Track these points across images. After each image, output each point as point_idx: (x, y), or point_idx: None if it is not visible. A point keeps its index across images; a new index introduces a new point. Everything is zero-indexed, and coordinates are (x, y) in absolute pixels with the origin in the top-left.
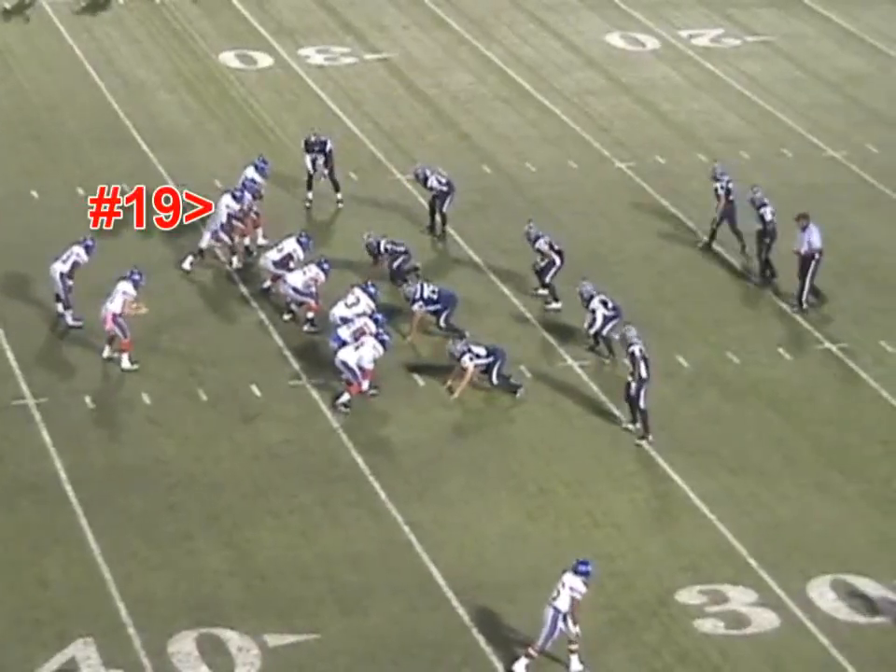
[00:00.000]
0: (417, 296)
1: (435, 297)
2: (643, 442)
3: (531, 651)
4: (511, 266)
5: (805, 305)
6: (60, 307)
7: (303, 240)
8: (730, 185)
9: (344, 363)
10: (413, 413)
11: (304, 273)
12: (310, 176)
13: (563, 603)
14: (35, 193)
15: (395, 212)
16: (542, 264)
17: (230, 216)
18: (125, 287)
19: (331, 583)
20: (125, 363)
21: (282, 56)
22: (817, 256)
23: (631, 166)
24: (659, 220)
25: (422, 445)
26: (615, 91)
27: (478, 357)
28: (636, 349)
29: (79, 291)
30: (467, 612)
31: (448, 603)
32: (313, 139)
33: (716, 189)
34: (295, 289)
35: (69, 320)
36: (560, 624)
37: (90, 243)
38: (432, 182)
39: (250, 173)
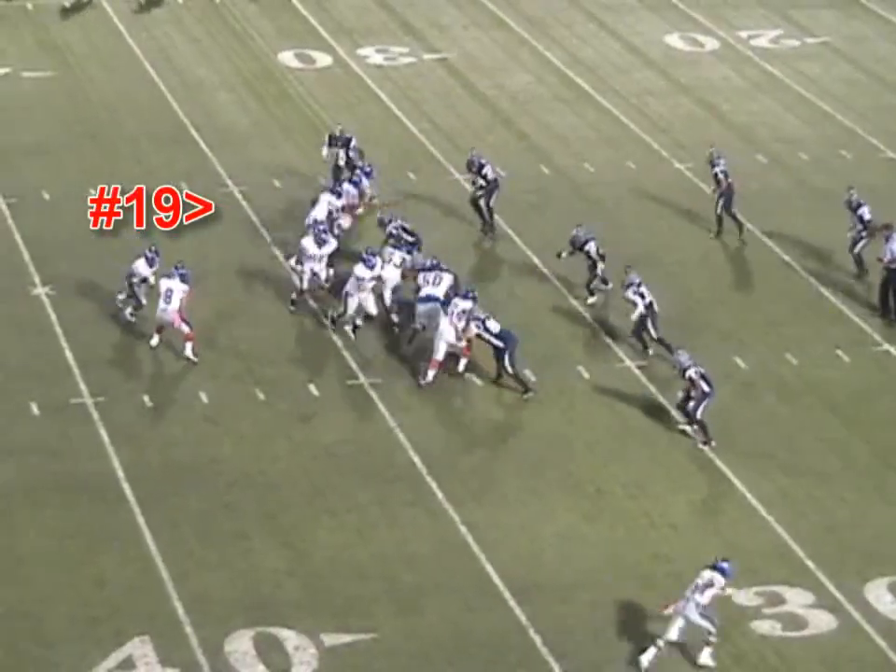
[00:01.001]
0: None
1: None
2: (706, 447)
3: (660, 643)
4: (569, 266)
5: (894, 317)
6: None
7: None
8: (726, 169)
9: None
10: (471, 413)
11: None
12: (338, 167)
13: (702, 597)
14: (93, 192)
15: (452, 213)
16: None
17: (330, 212)
18: (176, 284)
19: (387, 583)
20: (189, 352)
21: (341, 56)
22: None
23: (689, 167)
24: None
25: (478, 446)
26: (674, 92)
27: (486, 329)
28: (691, 372)
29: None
30: (523, 613)
31: (504, 603)
32: (338, 133)
33: (716, 175)
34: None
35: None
36: (695, 618)
37: (148, 254)
38: (487, 171)
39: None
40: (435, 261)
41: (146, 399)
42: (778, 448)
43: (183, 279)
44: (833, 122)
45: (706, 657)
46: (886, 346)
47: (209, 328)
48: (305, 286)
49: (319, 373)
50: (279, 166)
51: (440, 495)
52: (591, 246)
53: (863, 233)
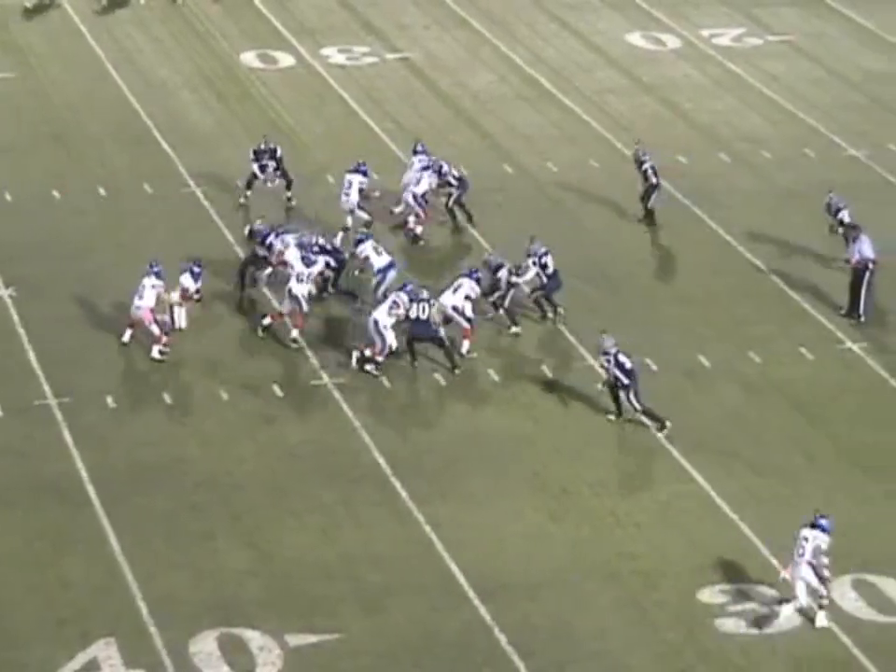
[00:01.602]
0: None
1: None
2: (663, 433)
3: (798, 605)
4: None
5: (863, 318)
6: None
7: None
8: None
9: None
10: (435, 412)
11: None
12: (254, 178)
13: (817, 561)
14: (56, 193)
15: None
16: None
17: (361, 190)
18: (151, 281)
19: (353, 583)
20: (155, 353)
21: (303, 56)
22: (870, 266)
23: (653, 166)
24: (681, 220)
25: (444, 445)
26: (636, 91)
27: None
28: (603, 360)
29: (96, 295)
30: (488, 612)
31: (469, 603)
32: (263, 147)
33: (645, 171)
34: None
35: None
36: (812, 580)
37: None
38: (448, 173)
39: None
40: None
41: (110, 400)
42: (743, 446)
43: (157, 276)
44: (796, 121)
45: (821, 620)
46: (849, 344)
47: (172, 329)
48: (285, 309)
49: (283, 374)
50: (242, 167)
51: (404, 494)
52: (548, 260)
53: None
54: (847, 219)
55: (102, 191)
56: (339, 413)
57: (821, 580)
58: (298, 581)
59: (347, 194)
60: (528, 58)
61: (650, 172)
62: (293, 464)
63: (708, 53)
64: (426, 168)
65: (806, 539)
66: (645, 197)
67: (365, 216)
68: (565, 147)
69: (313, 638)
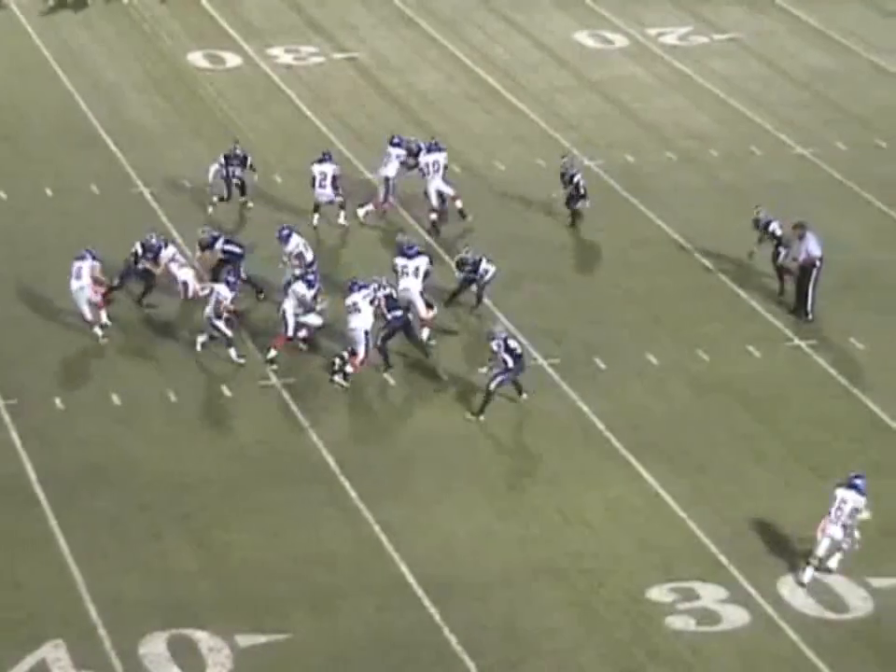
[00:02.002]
0: None
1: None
2: (473, 419)
3: (813, 562)
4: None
5: (811, 315)
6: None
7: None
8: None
9: None
10: (384, 412)
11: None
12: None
13: (851, 521)
14: (2, 194)
15: (350, 211)
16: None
17: (404, 162)
18: (84, 263)
19: (302, 583)
20: (104, 318)
21: (250, 56)
22: (817, 263)
23: (600, 164)
24: (628, 219)
25: (392, 445)
26: (584, 90)
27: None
28: (493, 344)
29: (44, 296)
30: (438, 611)
31: (419, 602)
32: (234, 153)
33: (577, 184)
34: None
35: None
36: (840, 537)
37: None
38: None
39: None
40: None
41: (57, 401)
42: (692, 444)
43: (93, 257)
44: (742, 119)
45: (834, 562)
46: (797, 342)
47: (121, 329)
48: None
49: (232, 374)
50: (189, 167)
51: (353, 494)
52: (484, 268)
53: (780, 248)
54: (778, 231)
55: (49, 192)
56: (288, 413)
57: (849, 538)
58: (247, 581)
59: (323, 186)
60: (476, 57)
61: (581, 184)
62: (242, 464)
63: (656, 52)
64: (403, 163)
65: (845, 502)
66: (569, 202)
67: (339, 199)
68: (512, 146)
69: (262, 639)
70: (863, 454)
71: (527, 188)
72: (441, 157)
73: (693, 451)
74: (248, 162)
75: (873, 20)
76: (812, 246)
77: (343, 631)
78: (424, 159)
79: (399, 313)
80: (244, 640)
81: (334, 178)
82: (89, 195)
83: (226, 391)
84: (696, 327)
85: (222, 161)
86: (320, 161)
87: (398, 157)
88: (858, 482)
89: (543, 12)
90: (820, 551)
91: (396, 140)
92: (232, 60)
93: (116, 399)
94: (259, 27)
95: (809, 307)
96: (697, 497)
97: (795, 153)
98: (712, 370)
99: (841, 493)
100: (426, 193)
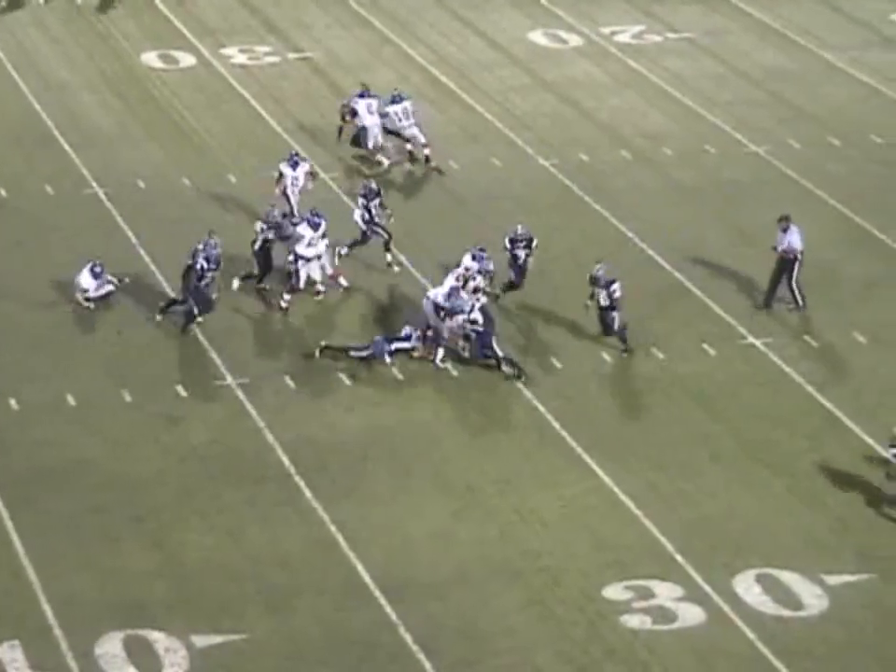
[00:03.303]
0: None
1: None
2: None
3: None
4: (435, 264)
5: (801, 303)
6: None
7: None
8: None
9: None
10: (339, 412)
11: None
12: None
13: None
14: None
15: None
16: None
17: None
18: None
19: (258, 583)
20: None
21: (204, 56)
22: (798, 257)
23: (555, 164)
24: (583, 218)
25: (348, 444)
26: (538, 89)
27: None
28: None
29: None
30: (394, 611)
31: (375, 602)
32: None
33: (612, 293)
34: None
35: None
36: None
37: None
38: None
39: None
40: None
41: (12, 402)
42: (646, 443)
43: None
44: (697, 117)
45: None
46: (751, 339)
47: (74, 330)
48: (301, 284)
49: (187, 374)
50: (143, 167)
51: (309, 494)
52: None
53: (612, 311)
54: (617, 294)
55: (3, 192)
56: (242, 413)
57: None
58: (203, 581)
59: (295, 185)
60: (430, 57)
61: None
62: (197, 465)
63: (610, 51)
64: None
65: None
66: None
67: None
68: (467, 145)
69: (218, 639)
70: (818, 451)
71: (482, 187)
72: (407, 104)
73: (648, 449)
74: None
75: (827, 18)
76: (795, 239)
77: (299, 631)
78: (391, 108)
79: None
80: (200, 640)
81: (308, 174)
82: (43, 196)
83: (181, 391)
84: (650, 324)
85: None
86: (293, 162)
87: (367, 106)
88: None
89: (497, 11)
90: None
91: (361, 92)
92: (187, 60)
93: (71, 399)
94: (214, 27)
95: (799, 299)
96: (653, 495)
97: (749, 151)
98: (667, 368)
99: None
100: (404, 138)
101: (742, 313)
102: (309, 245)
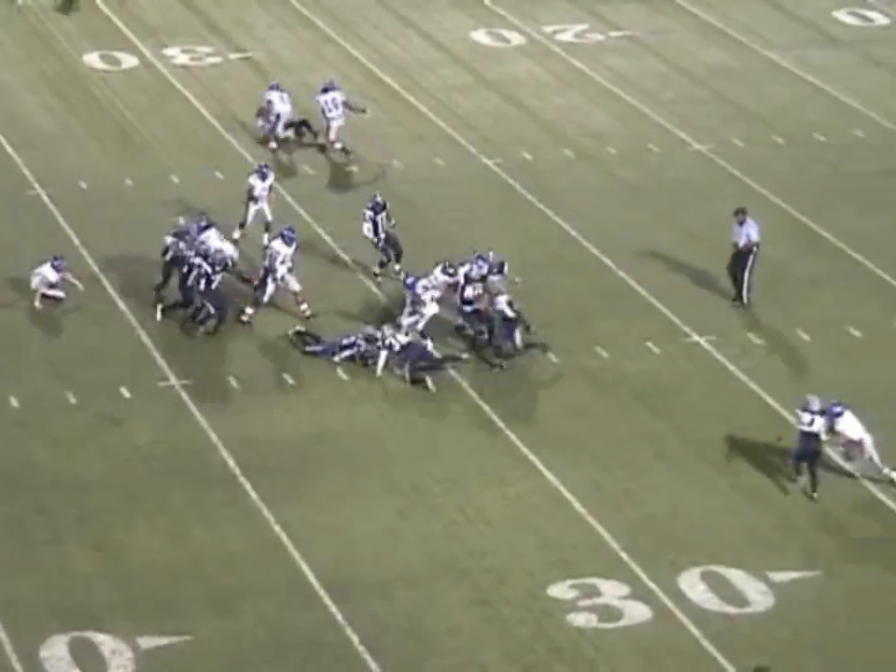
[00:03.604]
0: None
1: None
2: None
3: None
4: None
5: (746, 300)
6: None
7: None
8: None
9: None
10: (283, 412)
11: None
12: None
13: None
14: None
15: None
16: None
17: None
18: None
19: (204, 584)
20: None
21: (146, 56)
22: (755, 249)
23: (498, 163)
24: (526, 216)
25: (292, 445)
26: (481, 88)
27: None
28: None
29: None
30: (339, 611)
31: (321, 602)
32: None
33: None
34: None
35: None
36: None
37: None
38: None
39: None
40: None
41: None
42: (592, 441)
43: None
44: (640, 116)
45: None
46: (695, 338)
47: (18, 332)
48: (266, 299)
49: (130, 376)
50: (86, 168)
51: (254, 495)
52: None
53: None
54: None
55: None
56: (187, 414)
57: None
58: (148, 583)
59: (263, 196)
60: (373, 57)
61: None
62: (142, 466)
63: (552, 50)
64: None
65: None
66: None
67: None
68: (410, 144)
69: (164, 640)
70: (763, 449)
71: (426, 186)
72: (336, 94)
73: (592, 448)
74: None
75: (770, 17)
76: (753, 232)
77: (244, 632)
78: (321, 98)
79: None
80: (146, 642)
81: (270, 187)
82: None
83: (124, 392)
84: (595, 323)
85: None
86: (263, 177)
87: (280, 98)
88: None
89: (440, 11)
90: None
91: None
92: (128, 60)
93: (14, 401)
94: (155, 27)
95: (745, 293)
96: (598, 493)
97: (693, 150)
98: (611, 367)
99: None
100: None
101: (686, 312)
102: (283, 261)
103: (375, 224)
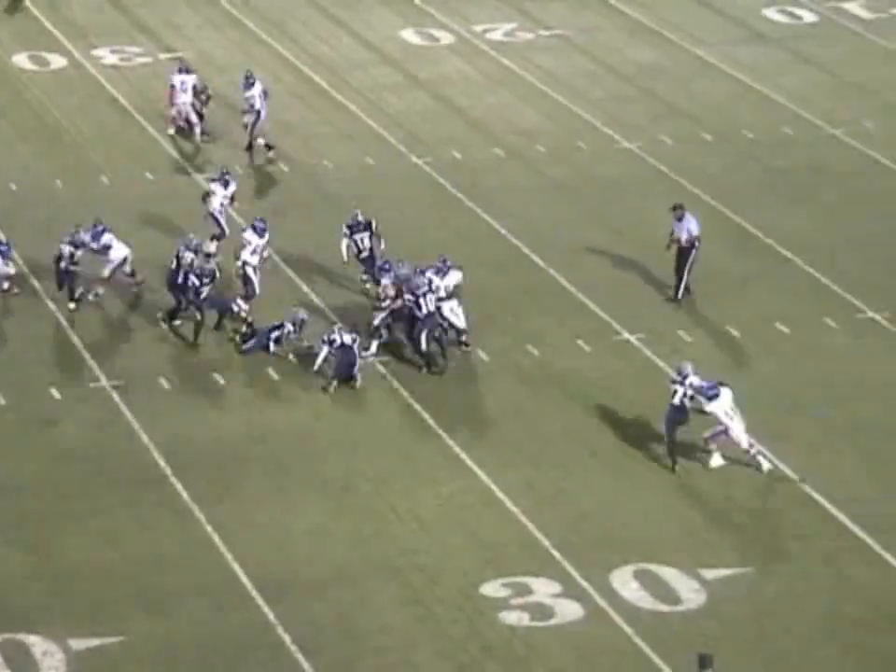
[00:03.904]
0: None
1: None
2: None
3: None
4: (312, 265)
5: (680, 296)
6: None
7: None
8: None
9: None
10: (215, 412)
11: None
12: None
13: None
14: None
15: (191, 212)
16: None
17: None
18: None
19: (136, 585)
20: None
21: (75, 57)
22: (696, 244)
23: (428, 162)
24: (456, 215)
25: (223, 444)
26: (411, 87)
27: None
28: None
29: None
30: (272, 611)
31: (253, 602)
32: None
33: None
34: None
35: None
36: None
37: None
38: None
39: None
40: None
41: None
42: (523, 439)
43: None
44: (569, 114)
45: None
46: (626, 336)
47: None
48: (257, 289)
49: (61, 376)
50: (15, 169)
51: (185, 495)
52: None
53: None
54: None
55: None
56: (118, 414)
57: None
58: (80, 584)
59: (224, 204)
60: (302, 56)
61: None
62: (73, 467)
63: (482, 48)
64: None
65: None
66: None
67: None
68: (340, 144)
69: (96, 642)
70: (695, 446)
71: (356, 185)
72: (260, 86)
73: (524, 446)
74: (373, 227)
75: (698, 14)
76: (693, 227)
77: (177, 632)
78: (249, 93)
79: None
80: (77, 644)
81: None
82: None
83: (55, 393)
84: (526, 322)
85: (346, 230)
86: (225, 184)
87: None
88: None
89: (369, 10)
90: None
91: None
92: (57, 61)
93: None
94: (84, 28)
95: (681, 289)
96: (529, 492)
97: (622, 148)
98: (542, 364)
99: None
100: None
101: (617, 310)
102: (254, 252)
103: (357, 244)
